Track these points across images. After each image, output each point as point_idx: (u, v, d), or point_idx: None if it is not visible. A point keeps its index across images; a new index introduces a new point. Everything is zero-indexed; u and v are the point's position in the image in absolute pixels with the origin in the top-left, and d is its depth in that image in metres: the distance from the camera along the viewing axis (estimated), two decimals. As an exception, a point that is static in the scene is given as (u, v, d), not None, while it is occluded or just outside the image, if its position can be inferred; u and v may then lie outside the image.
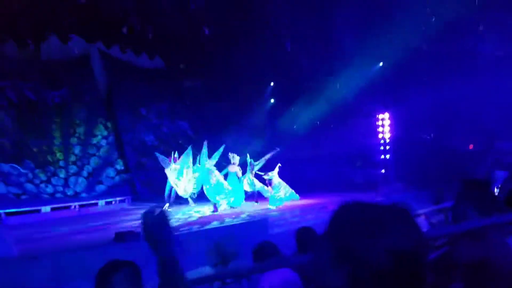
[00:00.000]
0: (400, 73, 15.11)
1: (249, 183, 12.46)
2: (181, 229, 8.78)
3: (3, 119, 13.46)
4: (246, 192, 12.52)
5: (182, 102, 17.32)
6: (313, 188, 16.42)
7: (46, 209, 11.41)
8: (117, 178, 15.20)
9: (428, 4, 13.20)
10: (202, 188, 11.93)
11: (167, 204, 11.99)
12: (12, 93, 13.82)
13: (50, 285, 5.98)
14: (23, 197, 13.23)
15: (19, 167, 13.36)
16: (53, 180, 14.01)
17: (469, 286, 1.95)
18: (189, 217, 10.63)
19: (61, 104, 14.67)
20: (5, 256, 6.25)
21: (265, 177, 12.33)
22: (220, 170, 12.24)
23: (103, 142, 15.30)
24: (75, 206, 11.95)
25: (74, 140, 14.72)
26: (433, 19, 13.49)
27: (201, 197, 12.31)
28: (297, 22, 14.14)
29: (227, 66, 15.83)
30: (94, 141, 15.15)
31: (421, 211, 4.09)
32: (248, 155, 12.65)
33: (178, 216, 10.80)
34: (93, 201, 12.78)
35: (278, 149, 12.75)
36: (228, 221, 9.69)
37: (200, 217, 10.51)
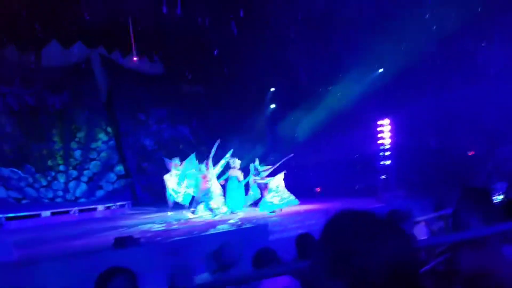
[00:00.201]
0: (400, 79, 15.12)
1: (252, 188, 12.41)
2: (180, 235, 8.77)
3: (4, 124, 13.50)
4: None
5: (182, 107, 17.34)
6: (314, 193, 16.42)
7: (46, 213, 11.39)
8: (117, 183, 15.21)
9: (428, 9, 13.25)
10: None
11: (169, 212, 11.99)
12: (13, 99, 13.88)
13: (49, 291, 5.96)
14: (24, 201, 13.24)
15: (19, 172, 13.38)
16: (53, 185, 14.02)
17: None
18: (188, 222, 10.60)
19: (61, 109, 14.72)
20: (5, 261, 6.24)
21: (259, 181, 12.25)
22: (222, 173, 12.24)
23: (104, 146, 15.32)
24: (75, 211, 11.93)
25: (74, 144, 14.76)
26: (434, 24, 13.54)
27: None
28: (298, 27, 14.19)
29: (227, 71, 15.87)
30: (95, 145, 15.18)
31: (421, 218, 4.08)
32: (257, 160, 12.48)
33: (177, 221, 10.78)
34: (93, 206, 12.77)
35: (292, 154, 12.64)
36: (227, 227, 9.67)
37: (199, 223, 10.48)
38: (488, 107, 14.34)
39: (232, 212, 11.83)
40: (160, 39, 14.85)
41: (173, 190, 12.14)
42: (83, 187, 14.53)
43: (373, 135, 16.11)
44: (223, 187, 12.20)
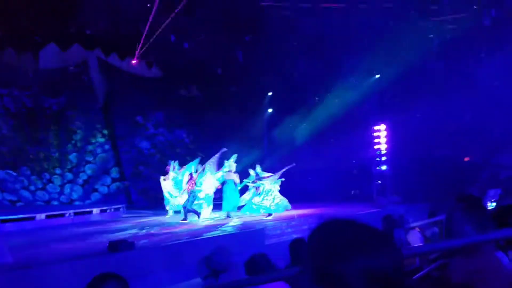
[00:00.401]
0: (396, 85, 15.19)
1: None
2: (176, 239, 8.74)
3: (1, 126, 13.45)
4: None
5: (180, 111, 17.32)
6: (310, 198, 16.40)
7: (41, 216, 11.32)
8: (112, 186, 15.16)
9: (426, 19, 13.33)
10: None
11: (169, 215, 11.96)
12: (10, 101, 13.84)
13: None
14: (18, 204, 13.17)
15: (14, 174, 13.32)
16: (49, 188, 13.96)
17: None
18: (184, 226, 10.57)
19: (58, 111, 14.68)
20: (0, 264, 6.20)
21: (250, 184, 12.20)
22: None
23: (100, 149, 15.28)
24: (70, 214, 11.86)
25: (70, 147, 14.71)
26: (430, 33, 13.63)
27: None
28: (296, 33, 14.25)
29: (225, 75, 15.89)
30: (91, 148, 15.13)
31: (415, 224, 4.08)
32: (258, 166, 12.42)
33: (172, 225, 10.74)
34: (88, 209, 12.71)
35: (294, 164, 12.61)
36: (224, 231, 9.65)
37: (195, 227, 10.45)
38: (485, 114, 14.41)
39: (228, 216, 11.82)
40: (159, 43, 14.87)
41: (168, 193, 12.15)
42: (79, 190, 14.48)
43: (369, 140, 16.15)
44: (220, 190, 12.22)
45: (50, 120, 14.49)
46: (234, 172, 12.29)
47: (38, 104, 14.33)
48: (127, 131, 16.13)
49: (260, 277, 2.47)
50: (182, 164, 12.43)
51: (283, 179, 12.12)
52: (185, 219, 11.29)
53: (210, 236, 8.98)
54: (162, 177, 12.22)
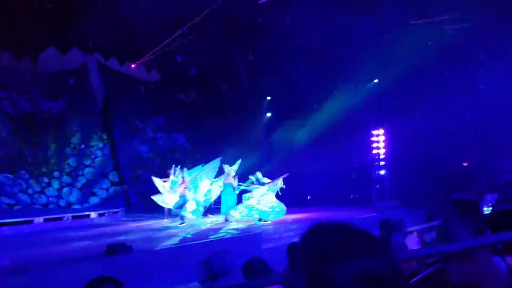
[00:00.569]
0: (395, 90, 15.23)
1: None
2: (173, 243, 8.73)
3: (-1, 130, 13.45)
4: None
5: (179, 115, 17.33)
6: (309, 202, 16.40)
7: (39, 220, 11.30)
8: (111, 189, 15.12)
9: (425, 24, 13.38)
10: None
11: (166, 220, 11.95)
12: (9, 104, 13.84)
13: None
14: (16, 207, 13.13)
15: (12, 177, 13.29)
16: (47, 191, 13.93)
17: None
18: (182, 230, 10.56)
19: (57, 115, 14.67)
20: (-4, 267, 6.19)
21: (244, 187, 12.19)
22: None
23: (98, 153, 15.25)
24: (68, 218, 11.84)
25: (69, 151, 14.68)
26: (429, 39, 13.68)
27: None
28: (294, 37, 14.29)
29: (224, 80, 15.91)
30: (89, 152, 15.10)
31: (413, 228, 4.07)
32: (259, 173, 12.40)
33: (171, 229, 10.73)
34: (86, 213, 12.68)
35: (288, 174, 12.59)
36: (221, 235, 9.63)
37: (193, 231, 10.44)
38: (483, 118, 14.45)
39: (226, 220, 11.82)
40: (158, 47, 14.92)
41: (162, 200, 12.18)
42: (77, 193, 14.44)
43: (368, 144, 16.17)
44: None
45: (48, 123, 14.48)
46: (233, 176, 12.29)
47: (36, 107, 14.32)
48: (126, 135, 16.12)
49: (257, 281, 2.47)
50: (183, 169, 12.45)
51: (283, 186, 12.04)
52: (182, 222, 11.30)
53: (208, 240, 8.97)
54: (161, 179, 12.21)
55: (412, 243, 3.87)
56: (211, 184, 12.29)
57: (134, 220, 12.66)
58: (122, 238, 9.14)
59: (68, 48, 14.82)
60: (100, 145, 15.38)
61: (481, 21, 12.44)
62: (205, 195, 12.24)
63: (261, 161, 15.96)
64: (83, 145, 14.94)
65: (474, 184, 13.71)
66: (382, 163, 15.68)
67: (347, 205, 15.97)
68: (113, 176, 15.31)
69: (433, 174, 14.91)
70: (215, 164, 12.48)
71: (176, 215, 11.80)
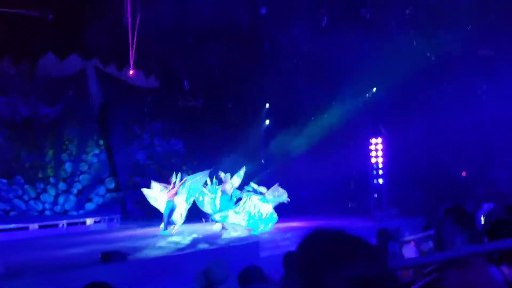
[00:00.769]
0: (394, 98, 15.29)
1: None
2: (169, 251, 8.68)
3: (-5, 135, 13.40)
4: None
5: (176, 122, 17.33)
6: (307, 211, 16.34)
7: (34, 226, 11.23)
8: (107, 196, 15.04)
9: (423, 33, 13.47)
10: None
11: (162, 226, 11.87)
12: (7, 109, 13.81)
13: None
14: (12, 213, 13.05)
15: (8, 183, 13.22)
16: (42, 197, 13.85)
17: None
18: (180, 238, 10.50)
19: (54, 120, 14.64)
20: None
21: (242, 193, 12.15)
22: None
23: (95, 159, 15.19)
24: (63, 224, 11.77)
25: (65, 157, 14.62)
26: (427, 50, 13.76)
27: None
28: (293, 46, 14.35)
29: (222, 87, 15.94)
30: (86, 158, 15.04)
31: (410, 237, 4.07)
32: (252, 184, 12.35)
33: (168, 237, 10.67)
34: (81, 220, 12.61)
35: (278, 183, 12.56)
36: (217, 243, 9.58)
37: (189, 239, 10.38)
38: (481, 128, 14.49)
39: (223, 228, 11.78)
40: (157, 54, 14.95)
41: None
42: (73, 200, 14.36)
43: (367, 153, 16.17)
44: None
45: (46, 128, 14.44)
46: (229, 183, 12.26)
47: (34, 112, 14.29)
48: (123, 141, 16.08)
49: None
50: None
51: (287, 200, 11.99)
52: (165, 229, 11.25)
53: (204, 248, 8.92)
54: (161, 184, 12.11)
55: (409, 252, 3.86)
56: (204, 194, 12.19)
57: (130, 228, 12.59)
58: (117, 245, 9.08)
59: (67, 53, 14.84)
60: (97, 151, 15.33)
61: (481, 31, 12.54)
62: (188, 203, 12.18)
63: (258, 169, 15.93)
64: (80, 151, 14.91)
65: (472, 193, 13.72)
66: (380, 171, 15.67)
67: (345, 213, 15.93)
68: (109, 183, 15.24)
69: (431, 183, 14.92)
70: (203, 175, 12.32)
71: (173, 223, 11.73)
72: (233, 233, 11.23)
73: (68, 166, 14.59)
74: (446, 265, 1.97)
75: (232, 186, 12.18)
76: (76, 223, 12.20)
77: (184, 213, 11.86)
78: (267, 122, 18.48)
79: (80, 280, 6.31)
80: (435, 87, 15.07)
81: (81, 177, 14.76)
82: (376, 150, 15.77)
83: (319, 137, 16.61)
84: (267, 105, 18.18)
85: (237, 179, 12.34)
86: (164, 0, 12.28)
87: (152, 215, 12.74)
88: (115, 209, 14.53)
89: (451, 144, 15.24)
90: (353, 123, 16.07)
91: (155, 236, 10.81)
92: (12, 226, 10.89)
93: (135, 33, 13.65)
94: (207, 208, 12.23)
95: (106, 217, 12.97)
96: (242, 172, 12.45)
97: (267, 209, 11.68)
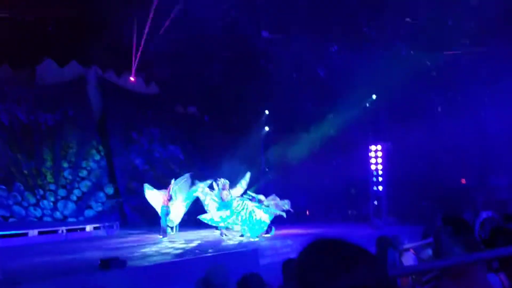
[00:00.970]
0: (394, 106, 15.32)
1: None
2: (168, 257, 8.65)
3: (-5, 142, 13.40)
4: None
5: (175, 128, 17.35)
6: (306, 217, 16.33)
7: (33, 232, 11.20)
8: (106, 203, 15.01)
9: (421, 40, 13.53)
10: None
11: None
12: (5, 116, 13.81)
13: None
14: (11, 219, 13.02)
15: (7, 189, 13.20)
16: (42, 204, 13.82)
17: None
18: (179, 245, 10.48)
19: (54, 127, 14.64)
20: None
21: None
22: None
23: (94, 166, 15.17)
24: (62, 231, 11.74)
25: (65, 163, 14.61)
26: (427, 59, 13.82)
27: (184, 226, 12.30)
28: (291, 53, 14.40)
29: (221, 93, 15.98)
30: (85, 164, 15.02)
31: (409, 245, 4.08)
32: (250, 192, 12.36)
33: (166, 244, 10.65)
34: (81, 226, 12.58)
35: (274, 194, 12.56)
36: (216, 250, 9.56)
37: (188, 245, 10.36)
38: (481, 137, 14.50)
39: (221, 234, 11.77)
40: (156, 61, 15.01)
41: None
42: (72, 206, 14.33)
43: (367, 160, 16.18)
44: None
45: (45, 135, 14.44)
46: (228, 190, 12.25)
47: (33, 119, 14.30)
48: (123, 147, 16.07)
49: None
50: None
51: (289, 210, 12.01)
52: (164, 235, 11.37)
53: (203, 255, 8.89)
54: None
55: (408, 260, 3.86)
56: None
57: (128, 234, 12.56)
58: (116, 252, 9.06)
59: (67, 60, 14.89)
60: (97, 157, 15.32)
61: (482, 41, 12.60)
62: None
63: (258, 176, 15.91)
64: (79, 158, 14.91)
65: (472, 201, 13.71)
66: (380, 179, 15.67)
67: (345, 220, 15.92)
68: (108, 189, 15.22)
69: (431, 191, 14.91)
70: (186, 179, 12.47)
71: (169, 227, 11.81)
72: (228, 241, 11.20)
73: (67, 173, 14.57)
74: (444, 274, 1.98)
75: (230, 194, 12.15)
76: (75, 230, 12.17)
77: (181, 214, 12.04)
78: (267, 128, 18.51)
79: (79, 286, 6.29)
80: (435, 95, 15.12)
81: (80, 183, 14.74)
82: (376, 157, 15.78)
83: (319, 144, 16.63)
84: (267, 112, 18.21)
85: (244, 183, 12.39)
86: (165, 9, 12.37)
87: (151, 221, 12.71)
88: (114, 216, 14.50)
89: (450, 151, 15.26)
90: (353, 130, 16.10)
91: (154, 242, 10.78)
92: (11, 232, 10.87)
93: (141, 41, 13.73)
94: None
95: (105, 224, 12.94)
96: (247, 177, 12.47)
97: (261, 215, 11.62)
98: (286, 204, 12.04)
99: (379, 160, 15.69)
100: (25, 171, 13.76)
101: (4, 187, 13.16)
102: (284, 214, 11.82)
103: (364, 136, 16.45)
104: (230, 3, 13.13)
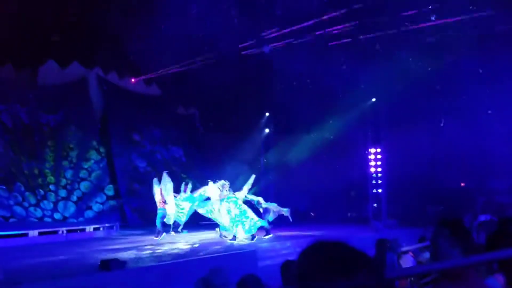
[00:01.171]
0: (393, 108, 15.34)
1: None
2: (168, 259, 8.67)
3: (-4, 142, 13.43)
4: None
5: (176, 129, 17.38)
6: (307, 219, 16.33)
7: (33, 233, 11.23)
8: (107, 204, 15.03)
9: (421, 43, 13.55)
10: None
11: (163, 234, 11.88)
12: (7, 117, 13.85)
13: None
14: (11, 220, 13.04)
15: (8, 190, 13.23)
16: (42, 204, 13.84)
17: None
18: (178, 246, 10.49)
19: (56, 127, 14.68)
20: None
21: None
22: None
23: (95, 166, 15.20)
24: (62, 231, 11.76)
25: (66, 164, 14.64)
26: (427, 63, 13.83)
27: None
28: (291, 56, 14.42)
29: (222, 95, 16.00)
30: (86, 165, 15.05)
31: (407, 248, 4.09)
32: (248, 195, 12.34)
33: (166, 245, 10.66)
34: (81, 227, 12.60)
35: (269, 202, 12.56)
36: (215, 252, 9.57)
37: (188, 247, 10.38)
38: (480, 139, 14.51)
39: (221, 236, 11.77)
40: (158, 62, 15.04)
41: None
42: (72, 207, 14.35)
43: (367, 162, 16.21)
44: None
45: (46, 136, 14.48)
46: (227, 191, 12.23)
47: (35, 120, 14.34)
48: (124, 148, 16.10)
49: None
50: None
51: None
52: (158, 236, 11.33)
53: (202, 257, 8.90)
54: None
55: (406, 263, 3.88)
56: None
57: (129, 235, 12.58)
58: (116, 253, 9.07)
59: (68, 61, 14.93)
60: (98, 158, 15.35)
61: (482, 43, 12.61)
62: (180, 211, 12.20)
63: (258, 177, 15.93)
64: (81, 159, 14.93)
65: (471, 204, 13.71)
66: (379, 181, 15.68)
67: (344, 222, 15.91)
68: (109, 190, 15.24)
69: (430, 194, 14.91)
70: (164, 179, 12.26)
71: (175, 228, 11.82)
72: (230, 241, 11.20)
73: (68, 173, 14.61)
74: (442, 277, 2.00)
75: (222, 195, 12.07)
76: (75, 230, 12.19)
77: (175, 214, 12.00)
78: (267, 130, 18.54)
79: (79, 287, 6.30)
80: (435, 98, 15.13)
81: (81, 184, 14.76)
82: (376, 159, 15.80)
83: (318, 146, 16.64)
84: (267, 114, 18.25)
85: (246, 188, 12.35)
86: (166, 9, 12.38)
87: (151, 223, 12.72)
88: (114, 217, 14.52)
89: (450, 154, 15.27)
90: (352, 132, 16.12)
91: (153, 243, 10.80)
92: (12, 232, 10.89)
93: (142, 42, 13.73)
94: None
95: (106, 225, 12.95)
96: (251, 180, 12.43)
97: (253, 215, 11.60)
98: (285, 212, 12.05)
99: (379, 163, 15.71)
100: (26, 172, 13.79)
101: (4, 187, 13.18)
102: (286, 213, 11.90)
103: (364, 138, 16.48)
104: (230, 3, 13.15)
